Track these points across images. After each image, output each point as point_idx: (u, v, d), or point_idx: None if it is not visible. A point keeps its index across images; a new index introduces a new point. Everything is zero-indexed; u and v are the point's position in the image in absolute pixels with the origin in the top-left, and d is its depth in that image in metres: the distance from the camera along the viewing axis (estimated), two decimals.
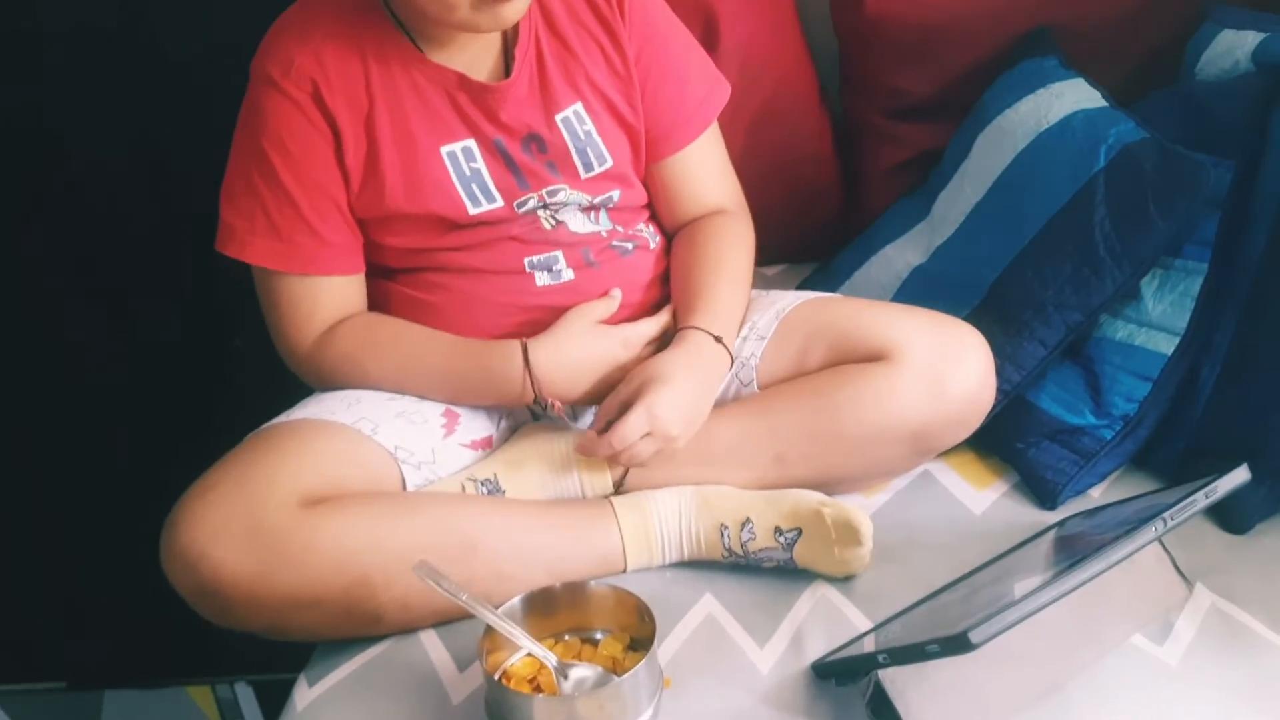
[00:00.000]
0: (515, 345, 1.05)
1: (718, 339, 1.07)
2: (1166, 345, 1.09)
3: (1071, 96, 1.21)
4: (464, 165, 1.07)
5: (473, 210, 1.08)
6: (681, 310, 1.12)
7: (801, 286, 1.42)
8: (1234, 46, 1.18)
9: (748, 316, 1.15)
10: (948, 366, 1.05)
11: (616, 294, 1.11)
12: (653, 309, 1.15)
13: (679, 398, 1.01)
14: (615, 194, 1.14)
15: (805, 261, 1.48)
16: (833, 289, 1.32)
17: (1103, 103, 1.20)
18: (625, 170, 1.14)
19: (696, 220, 1.18)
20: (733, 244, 1.17)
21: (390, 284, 1.13)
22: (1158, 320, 1.11)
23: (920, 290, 1.23)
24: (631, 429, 0.99)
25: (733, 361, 1.10)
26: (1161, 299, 1.11)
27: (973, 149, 1.27)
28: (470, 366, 1.06)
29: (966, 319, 1.10)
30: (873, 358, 1.06)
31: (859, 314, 1.10)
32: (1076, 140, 1.15)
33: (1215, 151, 1.09)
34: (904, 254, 1.29)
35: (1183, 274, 1.10)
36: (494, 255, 1.10)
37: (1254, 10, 1.22)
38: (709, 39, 1.37)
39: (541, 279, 1.12)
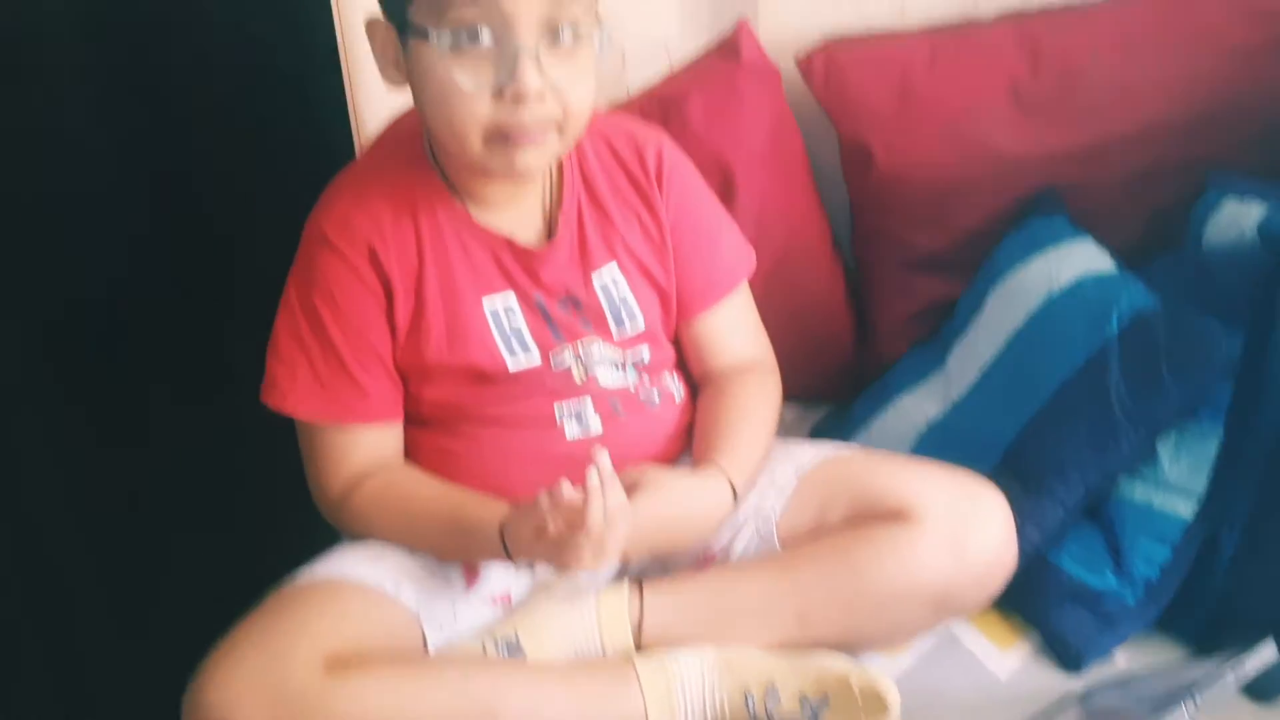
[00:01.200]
0: (493, 532, 1.02)
1: (717, 465, 1.10)
2: (1185, 509, 1.10)
3: (1081, 258, 1.25)
4: (504, 319, 1.10)
5: (511, 365, 1.10)
6: (702, 449, 1.13)
7: (817, 430, 1.44)
8: (1239, 217, 1.22)
9: (767, 467, 1.16)
10: (969, 527, 1.05)
11: (604, 461, 1.04)
12: (675, 462, 1.16)
13: (660, 512, 1.03)
14: (645, 353, 1.16)
15: (818, 401, 1.49)
16: (849, 436, 1.33)
17: (1112, 266, 1.24)
18: (656, 330, 1.17)
19: (725, 374, 1.20)
20: (758, 399, 1.18)
21: (420, 432, 1.14)
22: (1176, 482, 1.12)
23: (938, 445, 1.24)
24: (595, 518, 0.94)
25: (734, 495, 1.11)
26: (1179, 461, 1.12)
27: (985, 305, 1.30)
28: (459, 546, 1.06)
29: (989, 477, 1.11)
30: (894, 516, 1.06)
31: (880, 471, 1.11)
32: (1088, 304, 1.18)
33: (1224, 318, 1.12)
34: (921, 405, 1.31)
35: (1198, 437, 1.12)
36: (524, 407, 1.12)
37: (1256, 178, 1.26)
38: (726, 193, 1.41)
39: (570, 430, 1.13)
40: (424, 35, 0.97)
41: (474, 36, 0.96)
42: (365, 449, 1.10)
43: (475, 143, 1.00)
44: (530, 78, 0.96)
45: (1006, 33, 1.43)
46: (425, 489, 1.10)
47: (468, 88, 0.97)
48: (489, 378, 1.10)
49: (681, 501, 1.06)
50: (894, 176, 1.43)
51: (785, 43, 1.52)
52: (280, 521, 1.20)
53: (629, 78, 1.50)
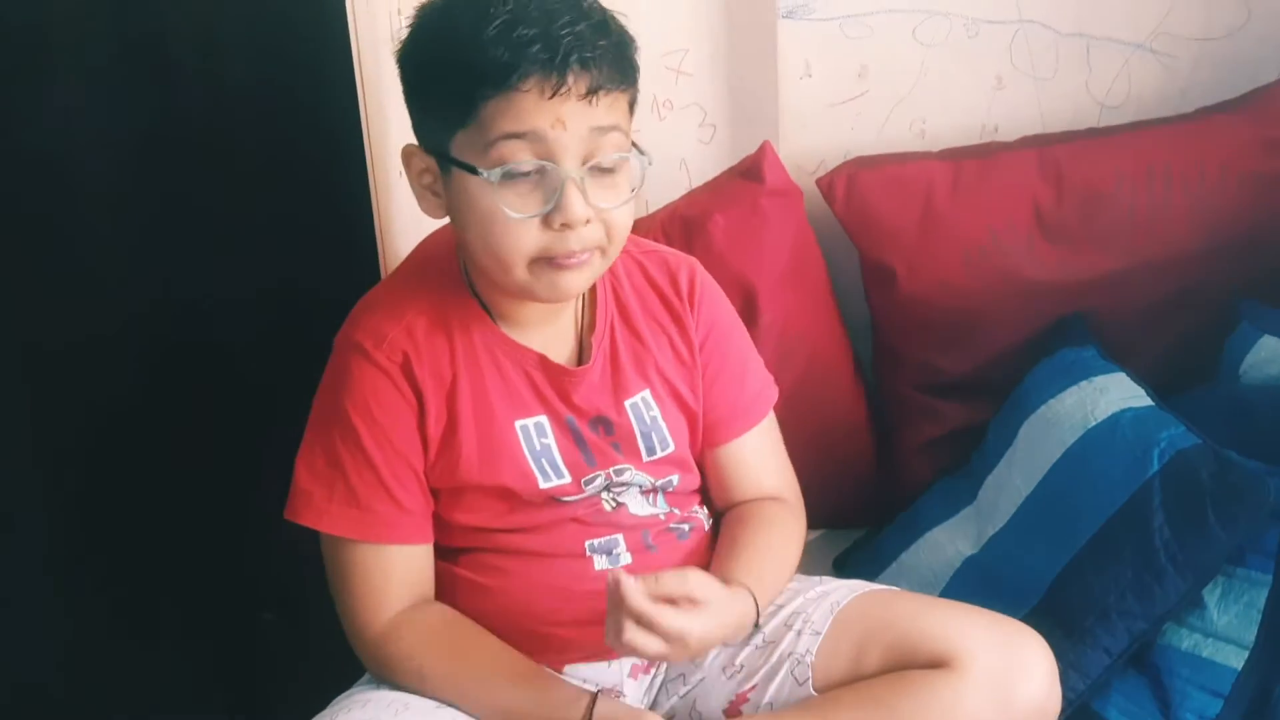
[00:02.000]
0: (582, 696, 1.00)
1: (739, 583, 1.05)
2: (1235, 659, 1.07)
3: (1116, 392, 1.23)
4: (535, 440, 1.07)
5: (543, 484, 1.07)
6: (721, 570, 1.09)
7: (843, 560, 1.40)
8: (1278, 354, 1.21)
9: (800, 606, 1.13)
10: (1013, 676, 1.02)
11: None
12: None
13: (707, 634, 0.99)
14: (675, 478, 1.14)
15: (840, 527, 1.46)
16: (879, 570, 1.30)
17: (1148, 401, 1.22)
18: (685, 455, 1.15)
19: (748, 503, 1.18)
20: (780, 529, 1.16)
21: (450, 566, 1.10)
22: (1224, 631, 1.09)
23: (974, 584, 1.21)
24: (652, 645, 0.94)
25: (758, 612, 1.06)
26: (1227, 609, 1.09)
27: (1018, 437, 1.28)
28: (531, 707, 1.02)
29: (1025, 620, 1.07)
30: (934, 663, 1.03)
31: (919, 615, 1.08)
32: (1127, 441, 1.16)
33: (1266, 458, 1.10)
34: (954, 540, 1.28)
35: (1246, 584, 1.10)
36: (554, 538, 1.09)
37: None
38: (748, 312, 1.39)
39: (600, 563, 1.10)
40: (468, 169, 0.97)
41: (521, 170, 0.96)
42: (404, 572, 1.06)
43: (520, 269, 1.00)
44: (578, 207, 0.96)
45: (1029, 157, 1.43)
46: (489, 637, 1.06)
47: (515, 218, 0.97)
48: (520, 500, 1.07)
49: (719, 615, 1.01)
50: (916, 298, 1.42)
51: (804, 162, 1.53)
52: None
53: (648, 194, 1.50)
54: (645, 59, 1.45)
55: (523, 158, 0.95)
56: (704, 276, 1.17)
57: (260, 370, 1.24)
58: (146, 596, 1.30)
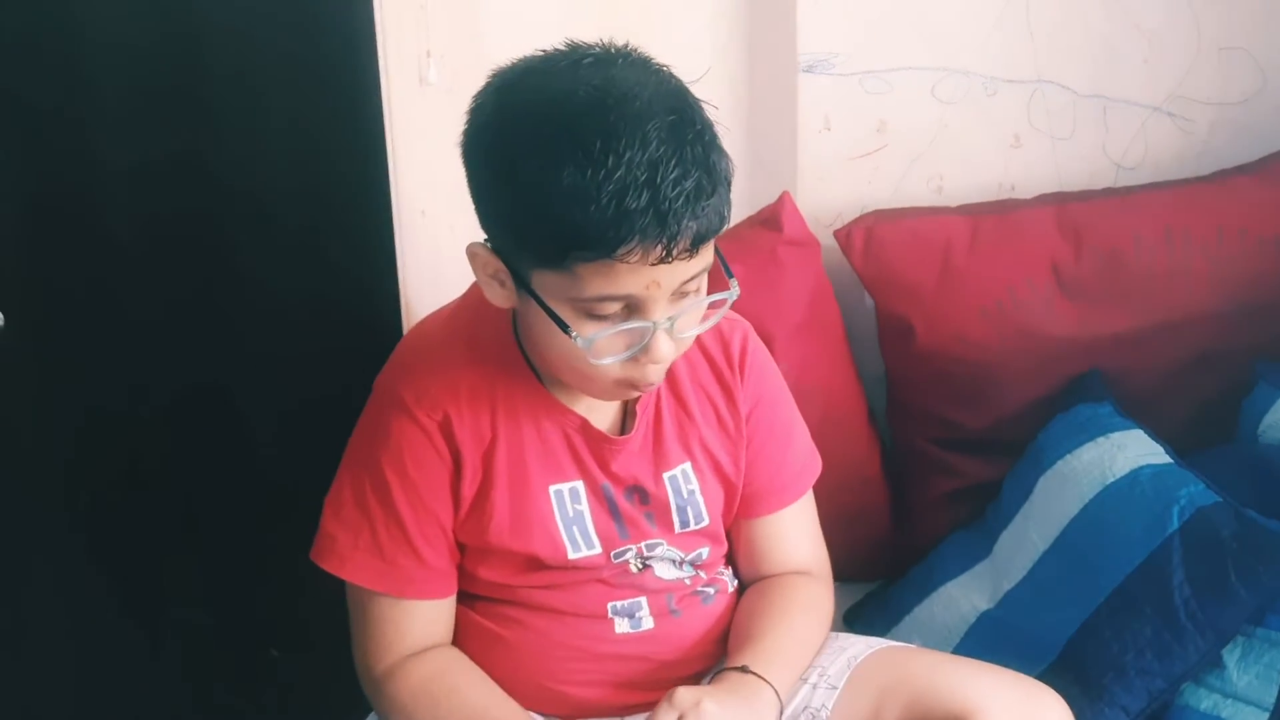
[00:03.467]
0: None
1: (760, 677, 1.01)
2: None
3: (1135, 449, 1.23)
4: (569, 506, 1.06)
5: (572, 555, 1.06)
6: (739, 646, 1.08)
7: (856, 613, 1.39)
8: None
9: (816, 660, 1.11)
10: None
11: None
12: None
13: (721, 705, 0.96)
14: (705, 551, 1.12)
15: (853, 580, 1.45)
16: (893, 623, 1.29)
17: (1167, 458, 1.22)
18: (718, 528, 1.13)
19: (775, 576, 1.15)
20: (805, 604, 1.12)
21: (469, 612, 1.09)
22: (1244, 692, 1.08)
23: (990, 640, 1.20)
24: None
25: (781, 706, 1.03)
26: (1246, 670, 1.08)
27: (1034, 491, 1.28)
28: None
29: (1042, 676, 1.06)
30: None
31: (937, 672, 1.06)
32: (1146, 497, 1.16)
33: None
34: (969, 595, 1.27)
35: (1267, 644, 1.08)
36: (578, 597, 1.07)
37: None
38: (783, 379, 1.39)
39: (621, 626, 1.08)
40: (555, 318, 0.92)
41: (614, 329, 0.92)
42: (418, 625, 1.05)
43: (598, 389, 0.99)
44: (665, 349, 0.93)
45: (1047, 214, 1.44)
46: (475, 691, 1.04)
47: (599, 362, 0.94)
48: (546, 565, 1.06)
49: (737, 708, 0.98)
50: (933, 352, 1.42)
51: (822, 215, 1.54)
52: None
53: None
54: None
55: (614, 312, 0.91)
56: (755, 344, 1.14)
57: (273, 408, 1.24)
58: (152, 630, 1.29)
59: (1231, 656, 1.09)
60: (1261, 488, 1.16)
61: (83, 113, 1.10)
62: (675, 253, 0.88)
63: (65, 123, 1.10)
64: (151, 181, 1.14)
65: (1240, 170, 1.48)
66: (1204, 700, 1.10)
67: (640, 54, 0.93)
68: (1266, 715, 1.06)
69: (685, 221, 0.87)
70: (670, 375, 1.09)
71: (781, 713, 1.03)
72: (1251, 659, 1.08)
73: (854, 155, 1.54)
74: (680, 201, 0.86)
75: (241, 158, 1.16)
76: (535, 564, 1.06)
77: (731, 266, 1.41)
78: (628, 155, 0.85)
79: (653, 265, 0.88)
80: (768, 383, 1.14)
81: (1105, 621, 1.12)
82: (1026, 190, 1.54)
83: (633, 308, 0.92)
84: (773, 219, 1.45)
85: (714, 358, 1.11)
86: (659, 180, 0.86)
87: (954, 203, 1.52)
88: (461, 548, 1.07)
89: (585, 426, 1.06)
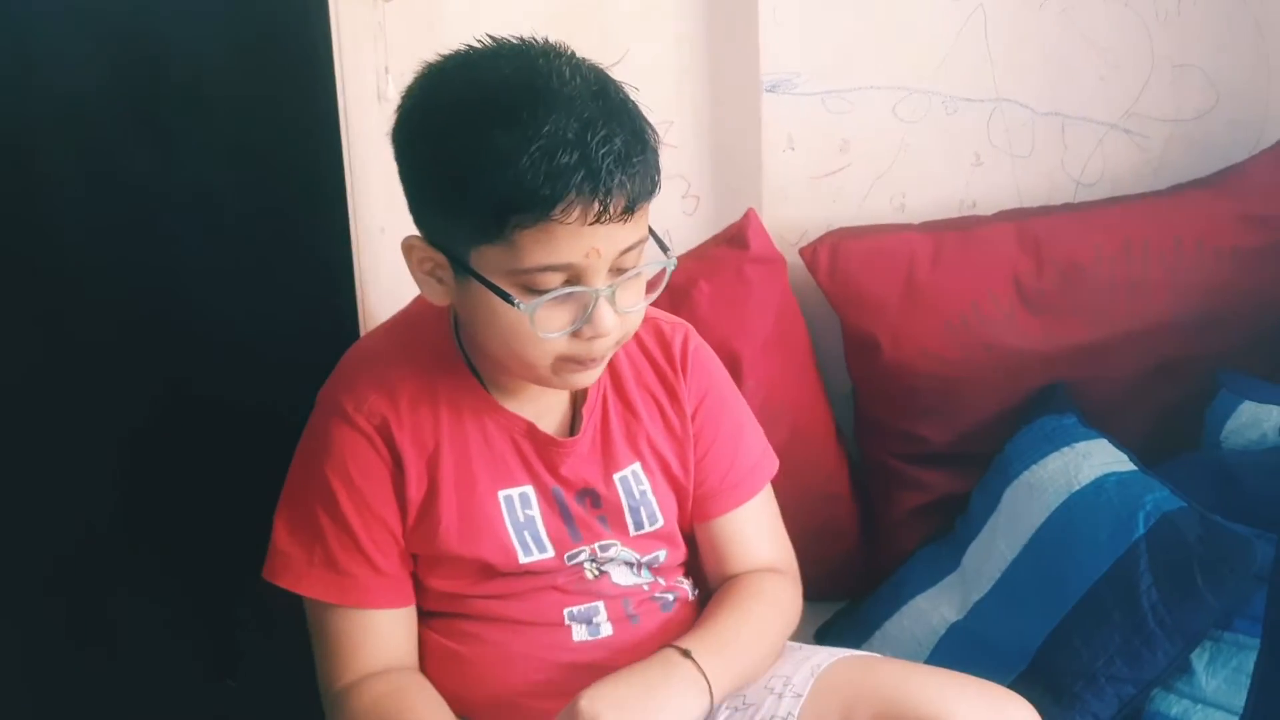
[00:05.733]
0: None
1: (685, 653, 0.98)
2: None
3: (1099, 458, 1.23)
4: (519, 511, 1.05)
5: (523, 559, 1.05)
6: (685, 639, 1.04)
7: (826, 629, 1.38)
8: (1259, 419, 1.22)
9: (780, 669, 1.09)
10: None
11: None
12: None
13: (609, 692, 0.93)
14: (662, 554, 1.11)
15: (823, 599, 1.44)
16: (863, 637, 1.27)
17: (1131, 466, 1.22)
18: (673, 530, 1.12)
19: (738, 576, 1.14)
20: (763, 596, 1.12)
21: (424, 630, 1.08)
22: (1213, 697, 1.07)
23: (960, 651, 1.19)
24: None
25: (709, 687, 0.98)
26: (1215, 674, 1.08)
27: (1001, 503, 1.28)
28: None
29: (1013, 686, 1.05)
30: None
31: (906, 681, 1.05)
32: (1112, 504, 1.16)
33: (1252, 522, 1.10)
34: (938, 607, 1.26)
35: (1234, 648, 1.08)
36: (533, 606, 1.06)
37: (1267, 380, 1.27)
38: (733, 380, 1.39)
39: (579, 633, 1.07)
40: (498, 292, 0.92)
41: (554, 295, 0.92)
42: (378, 638, 1.03)
43: (543, 369, 0.98)
44: (608, 320, 0.94)
45: (1008, 230, 1.46)
46: (428, 712, 1.01)
47: (543, 335, 0.94)
48: (498, 572, 1.05)
49: (628, 688, 0.95)
50: (899, 367, 1.42)
51: (787, 233, 1.54)
52: None
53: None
54: None
55: (556, 284, 0.92)
56: (697, 343, 1.14)
57: (231, 427, 1.22)
58: (110, 658, 1.26)
59: (1200, 661, 1.09)
60: (1225, 493, 1.16)
61: (34, 128, 1.09)
62: (611, 210, 0.89)
63: (16, 136, 1.09)
64: (103, 199, 1.13)
65: (1195, 184, 1.50)
66: (1174, 705, 1.09)
67: (562, 44, 0.95)
68: (1235, 716, 1.05)
69: (618, 177, 0.89)
70: (614, 376, 1.09)
71: (712, 698, 0.99)
72: (1220, 663, 1.08)
73: (818, 174, 1.55)
74: (610, 159, 0.88)
75: (196, 175, 1.16)
76: (487, 571, 1.05)
77: (698, 284, 1.43)
78: (555, 117, 0.87)
79: (590, 226, 0.89)
80: (712, 381, 1.14)
81: (1074, 629, 1.12)
82: (987, 207, 1.55)
83: (573, 280, 0.92)
84: (739, 237, 1.45)
85: (655, 358, 1.11)
86: (589, 139, 0.88)
87: (917, 220, 1.53)
88: (414, 558, 1.05)
89: (532, 430, 1.05)
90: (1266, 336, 1.39)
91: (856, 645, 1.26)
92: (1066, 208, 1.51)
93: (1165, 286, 1.41)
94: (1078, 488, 1.20)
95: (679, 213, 1.56)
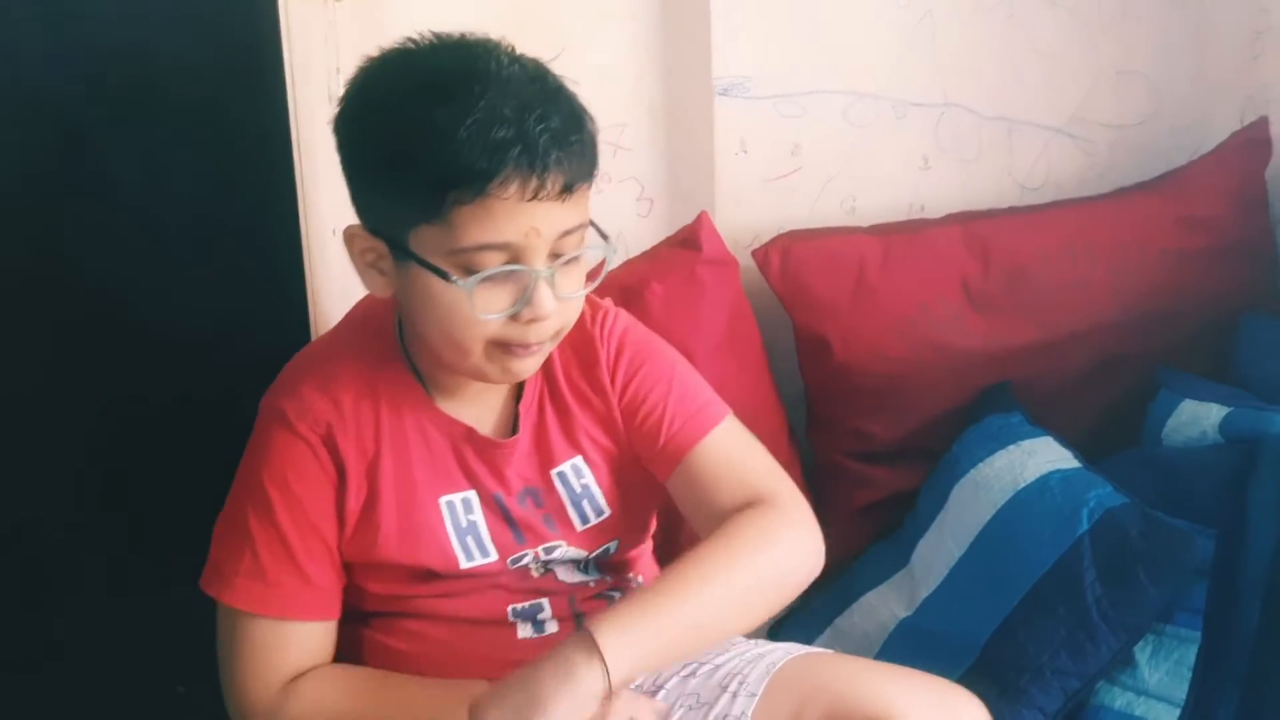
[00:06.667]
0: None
1: (588, 634, 0.89)
2: (1168, 716, 1.08)
3: (1044, 455, 1.25)
4: (461, 516, 1.04)
5: (465, 564, 1.04)
6: None
7: (778, 628, 1.39)
8: (1199, 417, 1.24)
9: (735, 667, 1.09)
10: None
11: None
12: None
13: (496, 702, 0.88)
14: (612, 546, 1.11)
15: None
16: (814, 634, 1.29)
17: (1076, 463, 1.24)
18: (624, 519, 1.11)
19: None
20: (720, 545, 0.98)
21: (363, 629, 1.06)
22: (1156, 689, 1.09)
23: (909, 646, 1.20)
24: None
25: (609, 680, 0.89)
26: (1157, 667, 1.10)
27: (949, 500, 1.29)
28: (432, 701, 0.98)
29: (961, 681, 1.07)
30: None
31: (856, 677, 1.05)
32: (1056, 501, 1.18)
33: (1193, 517, 1.12)
34: (887, 603, 1.27)
35: (1176, 641, 1.10)
36: (476, 604, 1.05)
37: (1205, 378, 1.30)
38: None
39: (523, 631, 1.06)
40: (436, 271, 0.92)
41: (493, 274, 0.92)
42: (301, 648, 1.02)
43: (478, 354, 0.97)
44: (548, 303, 0.94)
45: (955, 233, 1.48)
46: (371, 682, 1.01)
47: (482, 315, 0.94)
48: (440, 575, 1.04)
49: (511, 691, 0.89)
50: (850, 367, 1.44)
51: (739, 236, 1.55)
52: None
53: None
54: None
55: (495, 264, 0.91)
56: (615, 322, 1.10)
57: (182, 429, 1.21)
58: (61, 665, 1.24)
59: (1143, 654, 1.11)
60: (1166, 489, 1.18)
61: None
62: (549, 187, 0.89)
63: None
64: (47, 202, 1.12)
65: (1138, 188, 1.53)
66: (1118, 698, 1.11)
67: (504, 39, 0.96)
68: (1178, 711, 1.08)
69: (555, 154, 0.90)
70: (549, 375, 1.08)
71: (609, 681, 0.89)
72: (1162, 656, 1.10)
73: (770, 177, 1.56)
74: (547, 136, 0.89)
75: (146, 176, 1.14)
76: (428, 574, 1.04)
77: (651, 286, 1.43)
78: (491, 95, 0.88)
79: (529, 203, 0.89)
80: (636, 348, 1.10)
81: (1020, 624, 1.14)
82: (936, 210, 1.57)
83: (513, 260, 0.92)
84: (691, 239, 1.46)
85: (581, 352, 1.09)
86: (526, 116, 0.89)
87: (866, 223, 1.55)
88: (348, 567, 1.04)
89: (472, 434, 1.05)
90: (1206, 336, 1.43)
91: (809, 641, 1.27)
92: (1013, 211, 1.54)
93: (1108, 287, 1.43)
94: (1023, 485, 1.22)
95: (633, 215, 1.57)
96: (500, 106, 0.88)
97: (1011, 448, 1.28)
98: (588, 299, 1.12)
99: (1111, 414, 1.40)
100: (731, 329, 1.46)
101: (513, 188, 0.89)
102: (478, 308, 0.93)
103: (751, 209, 1.56)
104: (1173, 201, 1.49)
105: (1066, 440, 1.31)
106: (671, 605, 0.94)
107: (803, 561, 1.02)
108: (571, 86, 0.96)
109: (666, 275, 1.42)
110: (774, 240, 1.50)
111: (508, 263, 0.92)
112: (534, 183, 0.89)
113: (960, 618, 1.19)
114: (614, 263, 1.50)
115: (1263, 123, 1.51)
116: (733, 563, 0.97)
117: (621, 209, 1.56)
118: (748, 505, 1.03)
